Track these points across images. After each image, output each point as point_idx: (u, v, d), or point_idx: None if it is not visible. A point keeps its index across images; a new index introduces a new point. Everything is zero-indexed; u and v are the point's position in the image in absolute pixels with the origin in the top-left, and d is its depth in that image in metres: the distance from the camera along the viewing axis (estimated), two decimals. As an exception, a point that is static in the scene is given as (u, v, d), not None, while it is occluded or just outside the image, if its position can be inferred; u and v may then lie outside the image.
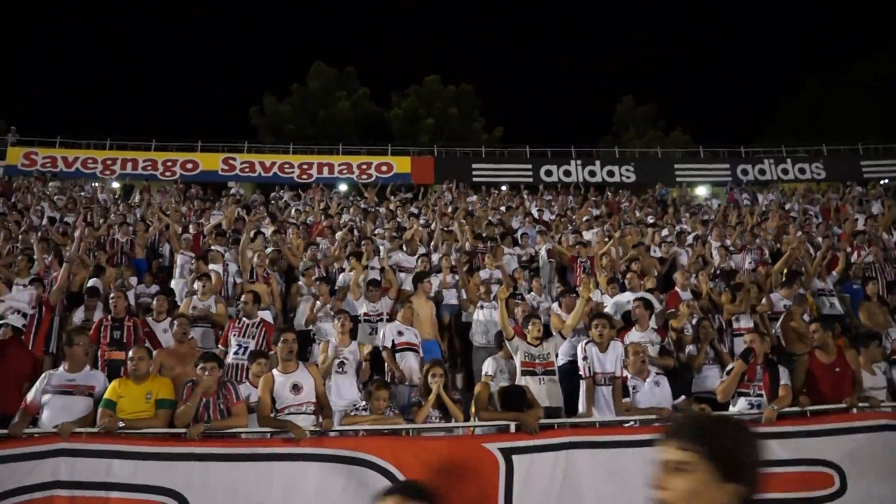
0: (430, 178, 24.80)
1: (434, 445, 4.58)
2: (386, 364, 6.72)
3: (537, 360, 5.94)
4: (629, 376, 5.47)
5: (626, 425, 5.10)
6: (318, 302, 7.70)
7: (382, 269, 9.08)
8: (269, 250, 9.85)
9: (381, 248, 10.39)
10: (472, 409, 5.34)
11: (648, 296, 7.55)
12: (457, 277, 9.09)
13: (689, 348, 6.64)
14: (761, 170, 25.81)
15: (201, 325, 7.11)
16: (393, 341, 6.81)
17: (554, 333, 6.85)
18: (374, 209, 15.32)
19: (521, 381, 5.84)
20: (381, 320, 7.63)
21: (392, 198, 17.93)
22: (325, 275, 9.07)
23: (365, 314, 7.76)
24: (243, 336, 6.62)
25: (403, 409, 5.66)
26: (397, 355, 6.74)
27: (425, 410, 5.23)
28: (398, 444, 4.59)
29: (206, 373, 4.74)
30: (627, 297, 7.87)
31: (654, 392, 5.41)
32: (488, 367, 6.11)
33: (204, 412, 4.67)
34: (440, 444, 4.61)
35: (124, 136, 25.12)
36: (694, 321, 6.93)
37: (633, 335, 6.65)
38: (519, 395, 5.08)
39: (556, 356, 6.25)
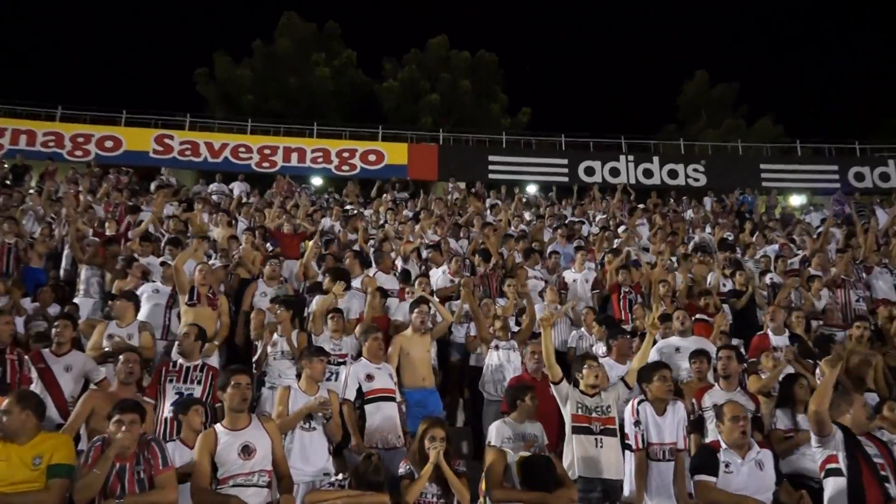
0: (431, 174, 25.03)
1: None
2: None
3: (594, 415, 5.94)
4: (723, 448, 5.36)
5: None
6: (276, 333, 7.77)
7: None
8: (213, 263, 9.87)
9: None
10: (482, 486, 5.34)
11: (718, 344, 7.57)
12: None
13: (778, 417, 6.57)
14: (884, 174, 25.89)
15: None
16: (359, 389, 6.84)
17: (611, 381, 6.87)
18: (358, 210, 15.39)
19: (570, 440, 5.87)
20: (345, 363, 7.71)
21: (384, 197, 18.06)
22: (289, 295, 9.12)
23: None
24: (183, 382, 6.66)
25: (391, 483, 5.61)
26: (368, 408, 6.76)
27: (419, 486, 5.21)
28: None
29: (123, 428, 4.69)
30: (686, 342, 7.93)
31: (753, 475, 5.24)
32: (494, 433, 6.12)
33: (116, 483, 4.62)
34: None
35: (16, 100, 24.35)
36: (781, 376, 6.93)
37: (718, 394, 6.65)
38: (546, 469, 5.08)
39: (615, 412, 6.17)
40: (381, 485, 5.19)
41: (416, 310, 7.95)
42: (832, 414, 5.11)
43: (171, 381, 6.61)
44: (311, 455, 5.97)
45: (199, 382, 6.63)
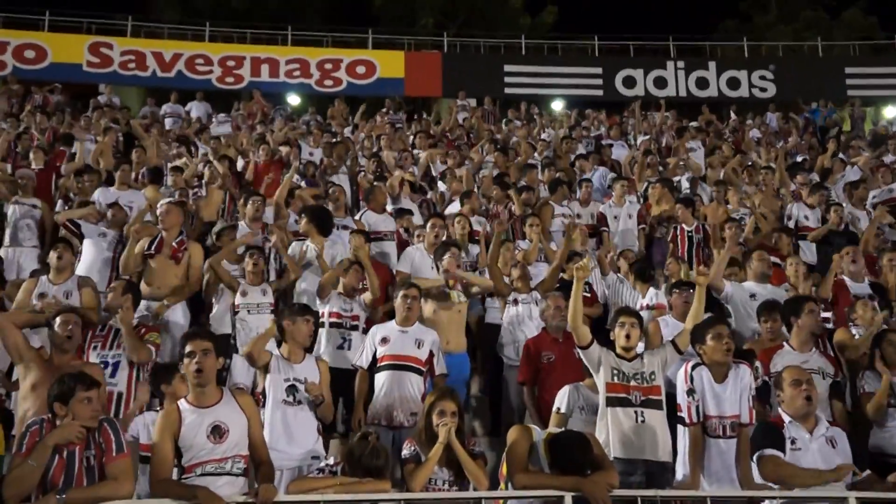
0: (434, 89, 24.90)
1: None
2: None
3: (633, 383, 5.99)
4: (788, 422, 5.41)
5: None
6: (242, 287, 7.90)
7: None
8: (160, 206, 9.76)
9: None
10: (503, 470, 5.36)
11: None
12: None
13: (866, 380, 6.57)
14: None
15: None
16: (374, 354, 6.94)
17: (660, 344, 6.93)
18: (344, 138, 15.28)
19: (605, 414, 5.95)
20: (357, 327, 7.80)
21: (378, 119, 17.97)
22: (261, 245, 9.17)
23: (333, 315, 7.87)
24: (110, 347, 6.73)
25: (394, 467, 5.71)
26: (377, 377, 6.88)
27: (426, 471, 5.23)
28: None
29: (91, 407, 4.76)
30: (763, 290, 7.93)
31: (825, 454, 5.29)
32: (565, 398, 6.34)
33: (60, 473, 4.64)
34: None
35: None
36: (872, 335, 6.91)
37: (789, 356, 6.68)
38: (579, 448, 5.07)
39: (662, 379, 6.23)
40: (381, 470, 5.23)
41: (445, 256, 7.97)
42: None
43: (94, 347, 6.68)
44: (296, 434, 6.03)
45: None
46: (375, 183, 11.17)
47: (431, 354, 7.07)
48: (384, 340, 6.97)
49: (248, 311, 7.90)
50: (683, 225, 10.45)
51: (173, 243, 8.32)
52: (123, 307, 6.71)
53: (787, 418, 5.41)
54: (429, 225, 9.25)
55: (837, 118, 21.01)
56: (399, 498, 5.03)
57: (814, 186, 12.03)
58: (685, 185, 12.98)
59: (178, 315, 8.14)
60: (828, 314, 8.00)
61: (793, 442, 5.31)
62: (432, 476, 5.25)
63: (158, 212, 8.59)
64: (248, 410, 5.13)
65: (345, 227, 9.81)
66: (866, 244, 9.58)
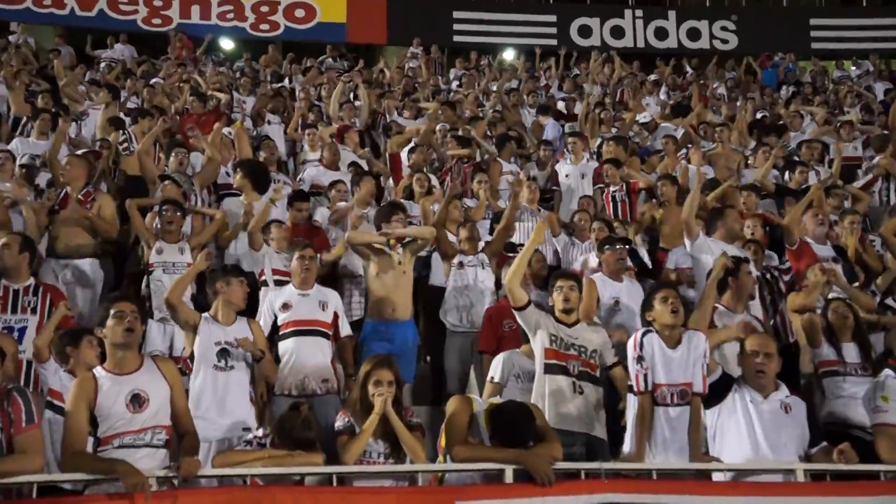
0: (379, 36, 24.65)
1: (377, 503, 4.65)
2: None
3: (572, 352, 6.11)
4: (738, 388, 5.49)
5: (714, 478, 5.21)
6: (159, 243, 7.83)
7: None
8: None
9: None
10: (442, 442, 5.39)
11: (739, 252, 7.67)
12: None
13: (823, 348, 6.76)
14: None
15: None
16: (275, 319, 6.95)
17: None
18: (280, 88, 15.11)
19: (541, 381, 6.04)
20: None
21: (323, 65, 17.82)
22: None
23: (275, 272, 7.88)
24: (11, 311, 6.68)
25: (326, 438, 5.68)
26: (281, 346, 6.88)
27: (360, 443, 5.24)
28: (313, 500, 4.63)
29: None
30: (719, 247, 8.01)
31: (776, 418, 5.33)
32: (499, 367, 6.48)
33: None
34: (387, 502, 4.68)
35: None
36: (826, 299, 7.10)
37: (724, 316, 6.80)
38: (522, 419, 5.10)
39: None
40: (313, 442, 5.25)
41: (392, 218, 7.93)
42: None
43: None
44: (227, 403, 6.05)
45: (33, 310, 6.64)
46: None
47: (336, 316, 7.11)
48: (285, 306, 6.95)
49: (164, 270, 7.76)
50: (610, 185, 10.50)
51: (79, 196, 8.21)
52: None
53: (744, 383, 5.48)
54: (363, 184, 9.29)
55: (798, 72, 21.25)
56: (331, 471, 5.01)
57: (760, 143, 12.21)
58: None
59: (87, 268, 8.05)
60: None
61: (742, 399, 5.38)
62: (367, 448, 5.26)
63: (72, 165, 8.45)
64: (170, 378, 5.07)
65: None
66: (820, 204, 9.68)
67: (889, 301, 7.80)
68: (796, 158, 12.09)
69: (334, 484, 4.93)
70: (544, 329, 6.15)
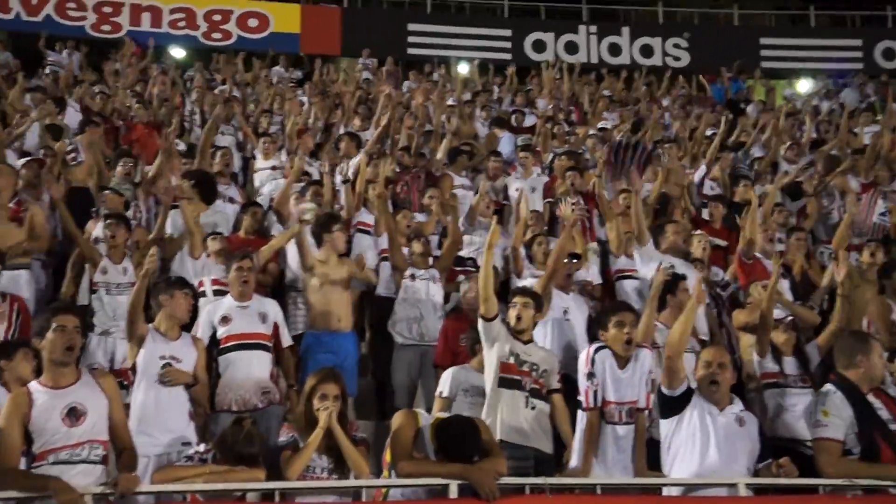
0: (332, 46, 24.54)
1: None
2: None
3: (525, 368, 6.16)
4: (696, 400, 5.50)
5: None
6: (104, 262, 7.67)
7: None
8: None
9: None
10: (387, 457, 5.36)
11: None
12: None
13: (764, 361, 6.91)
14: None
15: None
16: (214, 333, 6.85)
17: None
18: (232, 97, 14.99)
19: (495, 396, 6.08)
20: None
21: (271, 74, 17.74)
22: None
23: (214, 282, 7.83)
24: None
25: (271, 452, 5.61)
26: (220, 360, 6.80)
27: (304, 458, 5.19)
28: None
29: None
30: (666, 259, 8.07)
31: (730, 432, 5.35)
32: (447, 382, 6.54)
33: None
34: None
35: None
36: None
37: (661, 333, 6.83)
38: (467, 434, 5.09)
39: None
40: (256, 457, 5.19)
41: (334, 227, 7.93)
42: (842, 363, 5.37)
43: None
44: (168, 418, 5.98)
45: None
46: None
47: (276, 327, 7.07)
48: (225, 319, 6.87)
49: (107, 291, 7.61)
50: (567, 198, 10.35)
51: (10, 205, 8.10)
52: None
53: (702, 397, 5.48)
54: (311, 192, 9.27)
55: (748, 90, 21.54)
56: (273, 487, 4.96)
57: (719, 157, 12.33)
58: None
59: (19, 278, 7.83)
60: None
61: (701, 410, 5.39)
62: (310, 464, 5.22)
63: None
64: (108, 391, 5.02)
65: (231, 200, 9.72)
66: (766, 220, 9.80)
67: None
68: (744, 173, 12.26)
69: (277, 500, 4.88)
70: (503, 343, 6.18)
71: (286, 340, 7.18)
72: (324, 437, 5.25)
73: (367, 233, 9.39)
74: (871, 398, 5.23)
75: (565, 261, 7.71)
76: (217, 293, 7.64)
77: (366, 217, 9.52)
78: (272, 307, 7.18)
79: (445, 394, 6.53)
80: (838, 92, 21.31)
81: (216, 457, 5.22)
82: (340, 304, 7.68)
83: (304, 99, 15.77)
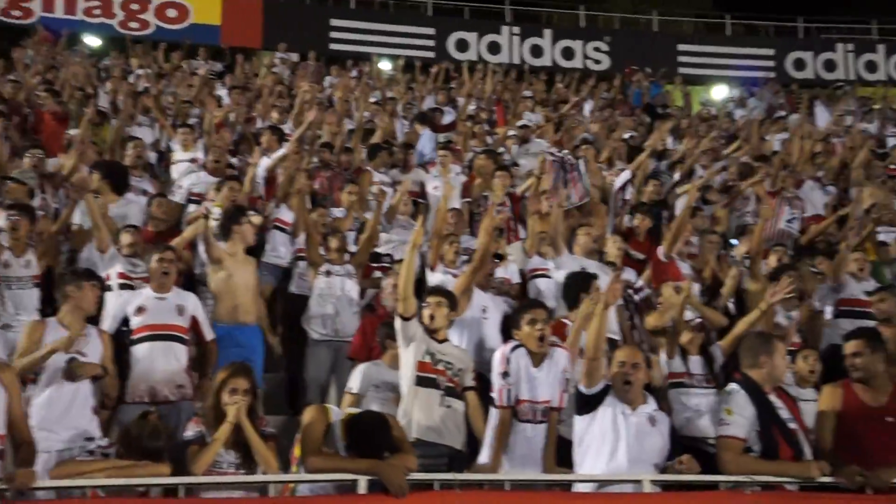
0: (253, 39, 24.43)
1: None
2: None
3: (440, 367, 6.18)
4: (610, 398, 5.53)
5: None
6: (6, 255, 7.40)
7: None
8: None
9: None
10: (296, 452, 5.35)
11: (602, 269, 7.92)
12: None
13: (672, 361, 6.98)
14: (829, 62, 27.07)
15: None
16: (126, 324, 6.75)
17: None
18: (147, 86, 14.73)
19: (411, 394, 6.10)
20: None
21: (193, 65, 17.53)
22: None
23: (120, 275, 7.65)
24: None
25: (177, 448, 5.53)
26: (133, 351, 6.70)
27: (210, 453, 5.13)
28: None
29: None
30: (578, 263, 8.19)
31: (641, 431, 5.41)
32: (358, 378, 6.57)
33: None
34: None
35: None
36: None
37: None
38: (377, 430, 5.10)
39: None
40: (161, 451, 5.10)
41: (243, 220, 7.85)
42: (746, 362, 5.51)
43: None
44: (71, 413, 5.86)
45: None
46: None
47: (196, 321, 7.00)
48: (140, 310, 6.78)
49: (9, 286, 7.33)
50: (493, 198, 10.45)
51: None
52: None
53: (618, 397, 5.53)
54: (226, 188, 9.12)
55: (665, 95, 21.93)
56: (178, 482, 4.89)
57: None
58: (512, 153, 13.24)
59: None
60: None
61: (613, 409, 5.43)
62: (217, 459, 5.16)
63: None
64: (8, 385, 4.90)
65: (144, 193, 9.57)
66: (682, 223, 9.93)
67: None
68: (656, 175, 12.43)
69: (181, 495, 4.82)
70: (420, 342, 6.19)
71: (208, 334, 7.09)
72: (232, 432, 5.20)
73: (283, 230, 9.33)
74: (772, 398, 5.39)
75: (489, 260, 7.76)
76: (123, 287, 7.51)
77: (283, 214, 9.46)
78: (191, 300, 7.08)
79: (355, 390, 6.55)
80: (751, 98, 21.83)
81: (119, 451, 5.12)
82: (247, 297, 7.60)
83: (223, 93, 15.54)
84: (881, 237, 10.35)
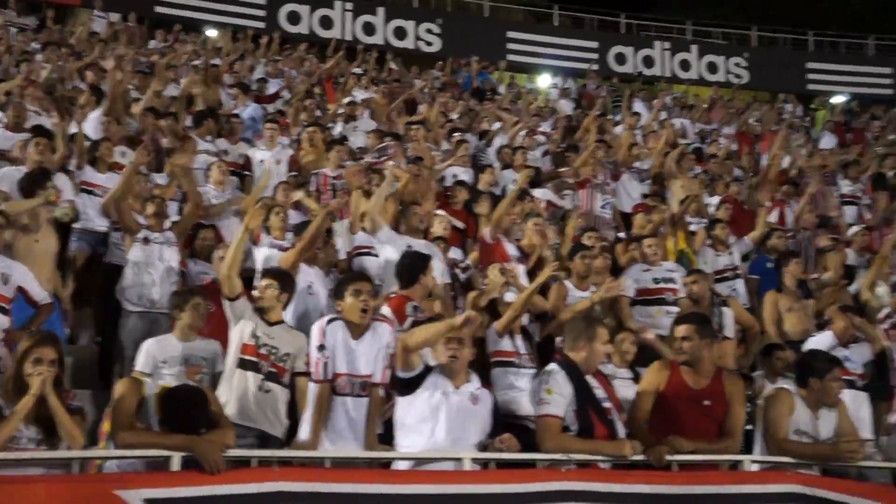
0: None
1: (21, 494, 4.33)
2: None
3: (263, 351, 6.14)
4: (432, 377, 5.51)
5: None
6: None
7: None
8: None
9: None
10: (105, 427, 5.24)
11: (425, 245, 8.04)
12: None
13: (502, 340, 7.15)
14: (647, 58, 28.38)
15: None
16: None
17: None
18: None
19: (231, 376, 6.07)
20: None
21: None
22: None
23: None
24: None
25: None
26: None
27: (9, 428, 4.79)
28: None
29: None
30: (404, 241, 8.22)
31: (463, 409, 5.42)
32: (143, 355, 6.29)
33: None
34: (33, 492, 4.38)
35: None
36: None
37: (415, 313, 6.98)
38: (193, 404, 5.02)
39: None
40: None
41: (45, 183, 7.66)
42: (567, 344, 5.64)
43: None
44: None
45: None
46: None
47: (21, 289, 6.66)
48: None
49: None
50: (327, 171, 10.43)
51: None
52: None
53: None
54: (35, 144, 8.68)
55: (493, 80, 22.31)
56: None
57: (458, 142, 12.69)
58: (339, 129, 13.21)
59: None
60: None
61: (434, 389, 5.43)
62: (15, 434, 4.83)
63: None
64: None
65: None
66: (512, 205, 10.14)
67: None
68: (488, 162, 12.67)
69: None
70: (247, 322, 6.15)
71: (41, 297, 6.77)
72: (35, 406, 4.88)
73: (92, 193, 8.99)
74: (589, 378, 5.55)
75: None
76: None
77: (92, 176, 9.13)
78: (18, 269, 6.70)
79: (141, 368, 6.22)
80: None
81: None
82: (45, 266, 7.37)
83: (36, 47, 14.79)
84: (692, 227, 10.79)
